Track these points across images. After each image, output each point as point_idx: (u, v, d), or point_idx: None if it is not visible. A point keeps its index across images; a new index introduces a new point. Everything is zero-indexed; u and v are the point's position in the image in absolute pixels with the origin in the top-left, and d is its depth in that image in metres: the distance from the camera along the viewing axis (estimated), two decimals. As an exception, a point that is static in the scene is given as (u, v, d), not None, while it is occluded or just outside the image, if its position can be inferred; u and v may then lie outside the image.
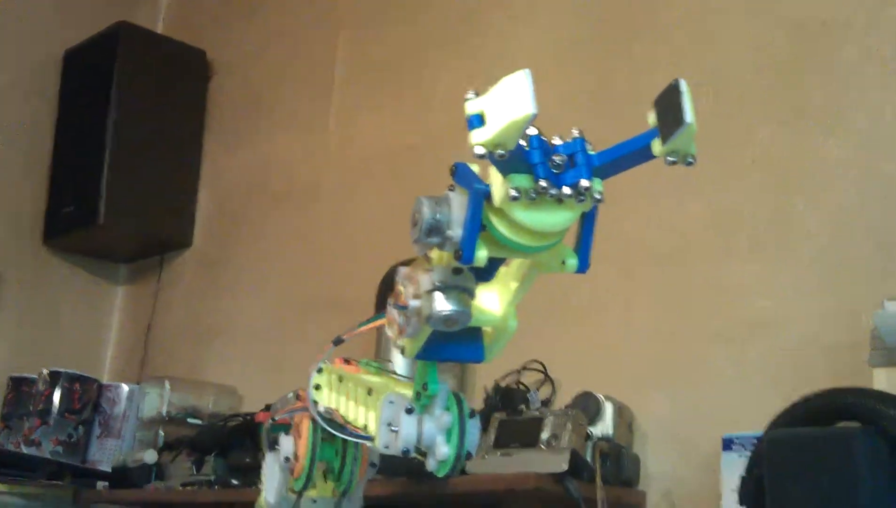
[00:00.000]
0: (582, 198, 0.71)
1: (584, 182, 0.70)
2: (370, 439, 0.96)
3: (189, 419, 2.57)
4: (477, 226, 0.73)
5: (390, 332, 0.91)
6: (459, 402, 0.87)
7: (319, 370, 1.12)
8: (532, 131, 0.72)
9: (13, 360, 2.99)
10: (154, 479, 2.40)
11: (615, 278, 2.03)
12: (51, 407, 2.74)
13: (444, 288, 0.77)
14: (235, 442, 2.28)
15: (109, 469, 2.61)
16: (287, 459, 1.17)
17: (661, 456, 1.89)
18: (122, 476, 2.48)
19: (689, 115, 0.67)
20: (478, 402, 2.00)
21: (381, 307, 2.05)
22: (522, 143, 0.71)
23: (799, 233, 1.82)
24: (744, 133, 1.93)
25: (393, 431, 0.88)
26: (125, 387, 2.82)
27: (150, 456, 2.40)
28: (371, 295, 2.15)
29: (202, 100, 3.21)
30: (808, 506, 1.23)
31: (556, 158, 0.71)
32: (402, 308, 0.83)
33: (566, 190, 0.70)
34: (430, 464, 0.87)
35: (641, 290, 2.00)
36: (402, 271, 0.85)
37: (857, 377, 1.44)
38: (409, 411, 0.87)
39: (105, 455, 2.73)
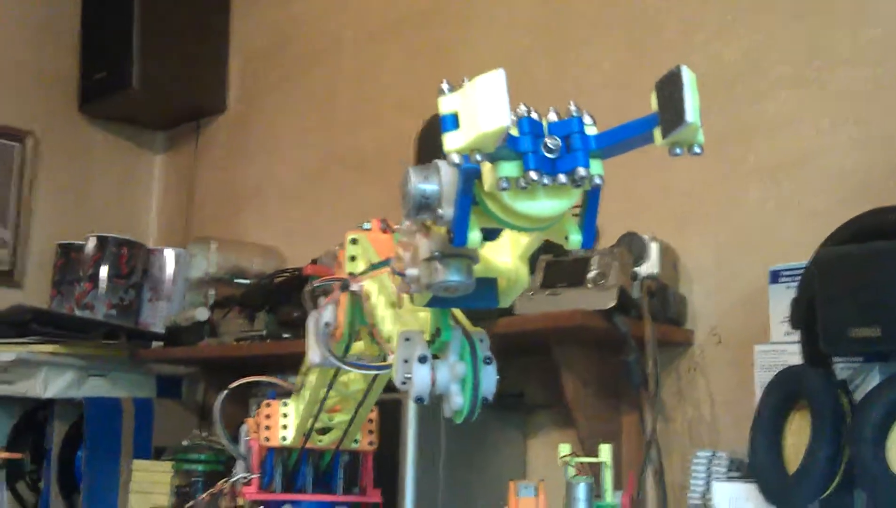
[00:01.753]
0: (579, 184, 0.66)
1: (582, 171, 0.65)
2: (389, 367, 0.93)
3: (236, 280, 2.62)
4: (467, 210, 0.69)
5: (395, 286, 0.90)
6: (473, 349, 0.84)
7: (354, 241, 1.11)
8: (522, 112, 0.66)
9: (57, 228, 3.03)
10: (207, 336, 2.46)
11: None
12: (100, 272, 2.80)
13: (442, 257, 0.73)
14: (284, 297, 2.32)
15: (163, 331, 2.67)
16: (327, 324, 1.18)
17: (706, 295, 1.91)
18: (176, 335, 2.55)
19: (690, 113, 0.62)
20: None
21: (420, 161, 2.07)
22: (511, 127, 0.65)
23: (837, 63, 1.79)
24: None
25: (407, 376, 0.84)
26: (172, 251, 2.87)
27: (202, 314, 2.45)
28: (403, 153, 2.15)
29: (229, -41, 3.16)
30: (859, 322, 1.24)
31: (550, 143, 0.66)
32: (402, 275, 0.81)
33: (562, 178, 0.65)
34: (446, 411, 0.85)
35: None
36: (401, 236, 0.81)
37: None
38: (423, 359, 0.83)
39: (157, 317, 2.80)
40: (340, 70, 2.77)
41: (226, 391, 1.44)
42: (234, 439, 1.49)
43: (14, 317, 2.58)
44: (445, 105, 0.65)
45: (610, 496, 1.58)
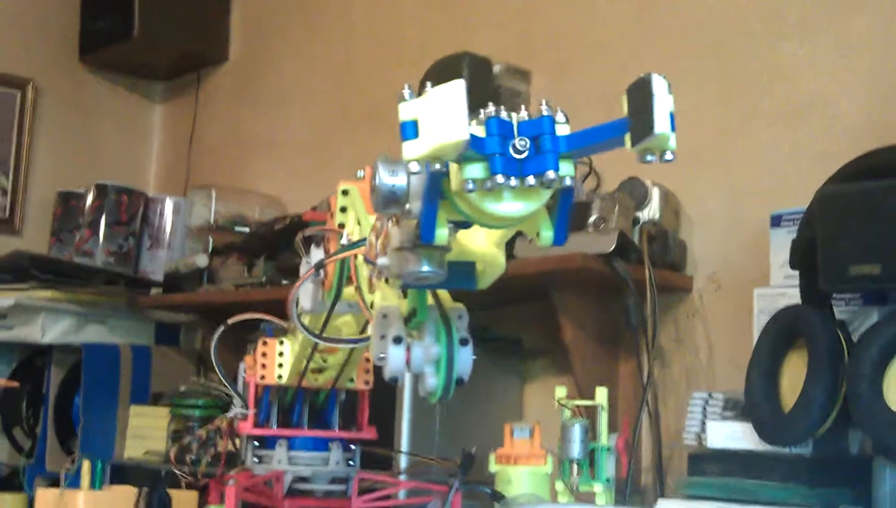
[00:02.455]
0: (549, 187, 0.65)
1: (551, 174, 0.64)
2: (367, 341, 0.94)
3: (236, 228, 2.61)
4: (434, 209, 0.68)
5: (368, 272, 0.90)
6: (449, 331, 0.83)
7: (345, 193, 1.10)
8: (490, 112, 0.65)
9: (57, 176, 3.03)
10: (206, 283, 2.45)
11: (662, 59, 2.01)
12: (99, 218, 2.79)
13: (413, 247, 0.73)
14: (283, 244, 2.31)
15: (161, 279, 2.67)
16: (322, 259, 1.17)
17: (707, 241, 1.90)
18: (175, 282, 2.54)
19: (659, 124, 0.61)
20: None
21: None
22: (478, 128, 0.65)
23: (853, 9, 1.77)
24: None
25: (382, 356, 0.83)
26: (171, 199, 2.86)
27: (202, 260, 2.44)
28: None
29: None
30: (860, 259, 1.23)
31: (518, 144, 0.65)
32: (372, 264, 0.81)
33: (530, 180, 0.64)
34: (420, 391, 0.84)
35: (688, 73, 1.97)
36: (375, 219, 0.81)
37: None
38: (398, 340, 0.82)
39: (156, 265, 2.79)
40: (347, 18, 2.74)
41: (222, 327, 1.44)
42: (233, 380, 1.50)
43: (13, 263, 2.58)
44: (405, 112, 0.64)
45: (605, 438, 1.58)
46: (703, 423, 1.42)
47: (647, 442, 1.83)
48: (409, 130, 0.64)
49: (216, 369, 1.44)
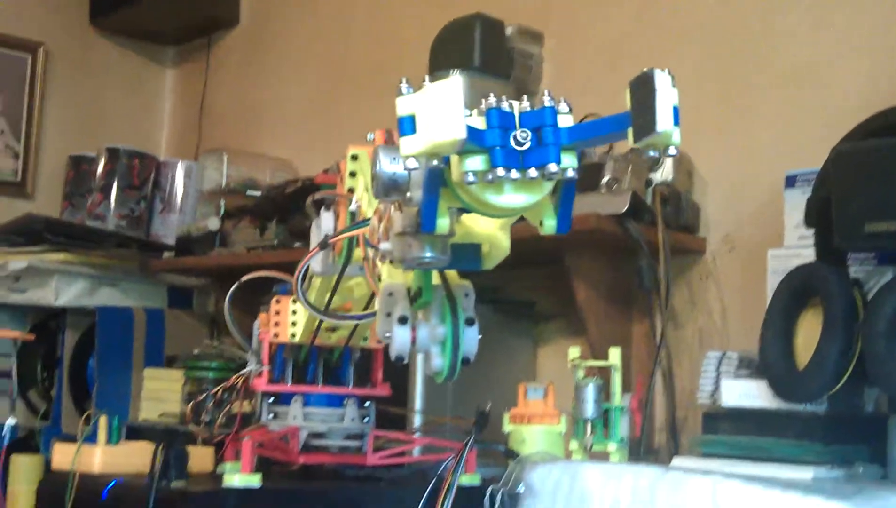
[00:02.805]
0: (551, 179, 0.65)
1: (553, 166, 0.64)
2: (373, 316, 0.94)
3: (248, 192, 2.61)
4: (434, 202, 0.68)
5: (372, 254, 0.90)
6: (455, 312, 0.83)
7: (354, 157, 1.11)
8: (491, 103, 0.65)
9: (68, 140, 3.03)
10: (218, 247, 2.46)
11: (665, 22, 1.99)
12: (111, 183, 2.79)
13: (415, 233, 0.73)
14: (295, 207, 2.31)
15: (173, 243, 2.67)
16: (327, 236, 1.18)
17: (720, 202, 1.89)
18: (187, 246, 2.54)
19: (661, 122, 0.61)
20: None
21: (434, 70, 2.04)
22: (478, 120, 0.64)
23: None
24: None
25: (388, 335, 0.84)
26: (183, 163, 2.86)
27: (213, 223, 2.45)
28: (417, 67, 2.12)
29: None
30: (875, 216, 1.22)
31: (519, 135, 0.64)
32: (375, 248, 0.81)
33: (532, 172, 0.64)
34: (427, 370, 0.86)
35: (694, 34, 1.96)
36: (378, 203, 0.80)
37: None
38: (403, 320, 0.82)
39: (168, 229, 2.80)
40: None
41: (236, 284, 1.44)
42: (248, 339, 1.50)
43: (26, 226, 2.58)
44: (403, 106, 0.63)
45: (618, 398, 1.58)
46: (718, 382, 1.42)
47: (661, 403, 1.83)
48: (407, 125, 0.63)
49: (230, 324, 1.44)
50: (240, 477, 1.21)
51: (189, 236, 2.53)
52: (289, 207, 2.33)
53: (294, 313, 1.44)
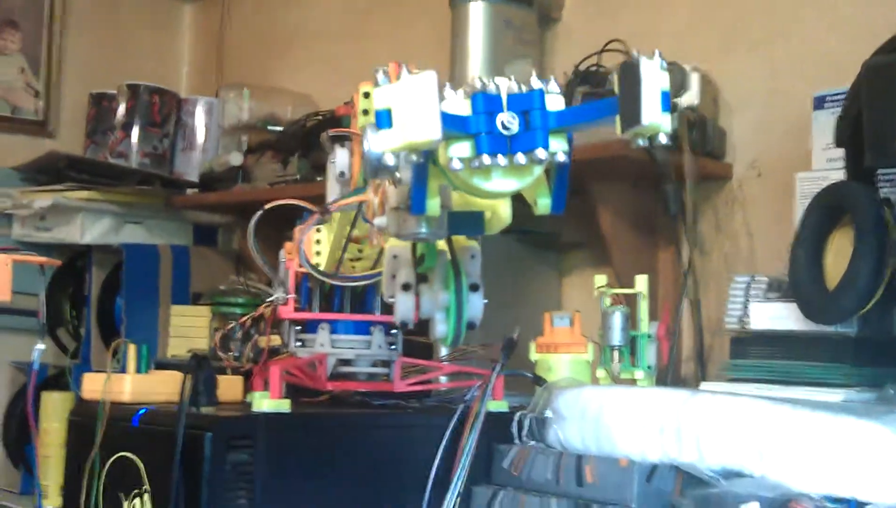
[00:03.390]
0: (539, 164, 0.63)
1: (541, 152, 0.62)
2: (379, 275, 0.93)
3: (269, 127, 2.59)
4: (422, 187, 0.66)
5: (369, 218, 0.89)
6: (458, 278, 0.82)
7: (367, 95, 1.08)
8: (476, 86, 0.63)
9: (89, 77, 3.01)
10: (240, 182, 2.45)
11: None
12: (133, 120, 2.79)
13: (409, 208, 0.71)
14: (316, 141, 2.29)
15: (196, 180, 2.67)
16: (342, 173, 1.17)
17: (746, 128, 1.86)
18: (210, 182, 2.54)
19: (647, 115, 0.60)
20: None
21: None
22: (464, 104, 0.62)
23: None
24: None
25: (392, 299, 0.84)
26: (204, 100, 2.84)
27: (236, 159, 2.44)
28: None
29: None
30: (910, 132, 1.20)
31: (506, 120, 0.63)
32: (370, 223, 0.81)
33: (520, 157, 0.62)
34: (431, 335, 0.85)
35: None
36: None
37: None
38: (406, 286, 0.82)
39: (190, 167, 2.79)
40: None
41: (260, 211, 1.44)
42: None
43: (49, 164, 2.59)
44: (379, 99, 0.62)
45: (646, 326, 1.57)
46: (746, 306, 1.41)
47: (688, 332, 1.82)
48: (384, 119, 0.61)
49: (254, 252, 1.44)
50: (269, 402, 1.22)
51: (212, 172, 2.53)
52: (310, 140, 2.32)
53: (318, 242, 1.44)
